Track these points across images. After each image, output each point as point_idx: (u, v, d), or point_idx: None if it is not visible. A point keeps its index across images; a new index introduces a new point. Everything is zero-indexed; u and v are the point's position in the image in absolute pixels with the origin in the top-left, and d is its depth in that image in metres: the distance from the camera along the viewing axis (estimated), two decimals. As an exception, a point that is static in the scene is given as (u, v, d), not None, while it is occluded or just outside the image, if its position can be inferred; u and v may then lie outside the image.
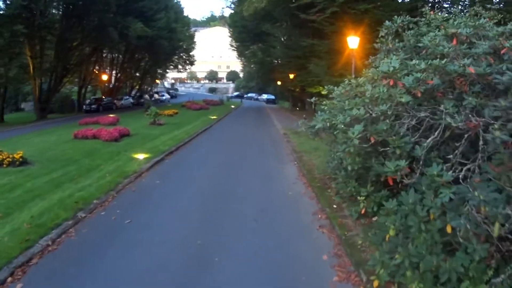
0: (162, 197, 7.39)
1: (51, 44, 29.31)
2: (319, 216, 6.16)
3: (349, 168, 4.86)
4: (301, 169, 9.55)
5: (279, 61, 35.07)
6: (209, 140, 15.87)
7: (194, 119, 23.96)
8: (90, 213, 6.39)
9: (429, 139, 4.24)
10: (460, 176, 4.19)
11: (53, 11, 29.68)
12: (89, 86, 44.16)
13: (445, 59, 4.21)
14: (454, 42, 4.79)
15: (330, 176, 8.40)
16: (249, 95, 71.46)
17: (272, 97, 59.57)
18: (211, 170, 9.79)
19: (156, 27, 34.49)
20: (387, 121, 4.04)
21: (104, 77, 41.42)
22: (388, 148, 4.06)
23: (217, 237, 5.34)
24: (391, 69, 4.15)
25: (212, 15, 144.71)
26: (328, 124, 5.41)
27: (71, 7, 28.45)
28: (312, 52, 21.39)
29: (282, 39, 30.42)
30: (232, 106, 43.21)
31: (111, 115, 22.74)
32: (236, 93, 74.78)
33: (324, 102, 5.97)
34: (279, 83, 46.15)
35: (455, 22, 5.10)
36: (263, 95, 64.34)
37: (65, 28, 28.53)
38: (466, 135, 3.85)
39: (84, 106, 34.74)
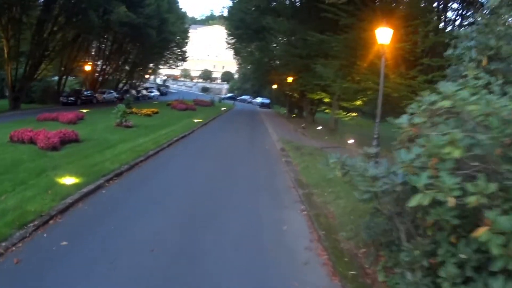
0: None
1: (28, 27, 25.96)
2: None
3: None
4: (314, 225, 5.79)
5: (278, 62, 31.50)
6: (183, 154, 11.87)
7: (174, 122, 20.11)
8: None
9: None
10: None
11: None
12: (75, 77, 40.25)
13: None
14: None
15: (368, 249, 4.76)
16: (243, 97, 67.79)
17: (267, 101, 55.88)
18: (166, 222, 5.77)
19: (144, 14, 31.19)
20: None
21: (87, 68, 36.87)
22: None
23: None
24: None
25: (212, 14, 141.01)
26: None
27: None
28: (319, 50, 17.82)
29: (284, 35, 26.67)
30: (223, 108, 39.37)
31: (83, 110, 19.94)
32: (229, 95, 70.93)
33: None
34: (275, 86, 42.68)
35: None
36: (258, 98, 60.63)
37: (46, 8, 25.11)
38: None
39: (61, 97, 30.83)
